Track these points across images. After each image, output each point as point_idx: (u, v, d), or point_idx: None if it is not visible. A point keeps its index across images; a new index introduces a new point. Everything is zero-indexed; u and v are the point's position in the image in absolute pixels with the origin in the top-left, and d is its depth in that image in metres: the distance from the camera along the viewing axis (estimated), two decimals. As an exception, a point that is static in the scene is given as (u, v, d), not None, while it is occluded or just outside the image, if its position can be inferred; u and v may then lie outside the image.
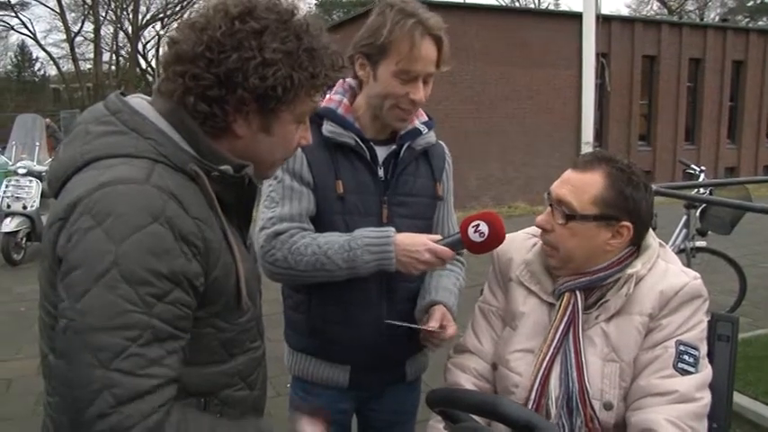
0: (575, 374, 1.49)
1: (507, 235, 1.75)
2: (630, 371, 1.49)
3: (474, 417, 1.39)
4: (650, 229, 1.63)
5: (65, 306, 0.97)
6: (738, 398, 3.50)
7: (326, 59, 1.16)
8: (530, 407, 1.51)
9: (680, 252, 5.11)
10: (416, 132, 1.77)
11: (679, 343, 1.47)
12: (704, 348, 1.51)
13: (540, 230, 1.62)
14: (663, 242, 1.65)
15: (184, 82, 1.09)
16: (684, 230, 5.23)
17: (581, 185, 1.52)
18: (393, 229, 1.65)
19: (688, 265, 4.91)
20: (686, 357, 1.45)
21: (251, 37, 1.08)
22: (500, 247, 1.72)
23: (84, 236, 0.97)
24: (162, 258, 0.99)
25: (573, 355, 1.51)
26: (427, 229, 1.79)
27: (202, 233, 1.06)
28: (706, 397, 1.46)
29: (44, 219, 7.72)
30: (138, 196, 1.00)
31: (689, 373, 1.44)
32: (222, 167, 1.13)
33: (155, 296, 0.98)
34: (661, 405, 1.42)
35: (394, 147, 1.76)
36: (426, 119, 1.83)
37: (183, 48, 1.09)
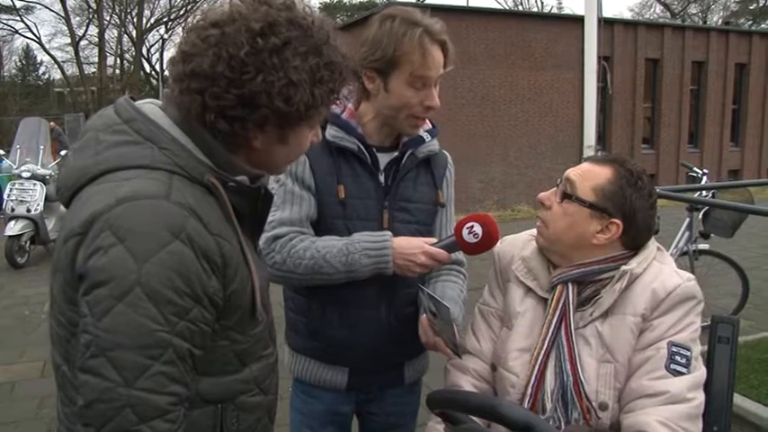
0: (568, 367, 1.50)
1: (509, 236, 1.77)
2: (625, 371, 1.49)
3: (474, 418, 1.40)
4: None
5: (87, 322, 0.97)
6: (741, 401, 3.50)
7: (345, 71, 1.15)
8: (526, 402, 1.52)
9: (682, 255, 5.11)
10: (419, 140, 1.79)
11: (671, 344, 1.47)
12: (697, 349, 1.50)
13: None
14: (661, 246, 1.65)
15: (203, 100, 1.05)
16: (687, 233, 5.22)
17: (589, 173, 1.57)
18: (390, 233, 1.68)
19: (691, 267, 4.92)
20: (678, 358, 1.46)
21: (273, 55, 1.05)
22: (501, 248, 1.75)
23: (106, 253, 0.96)
24: (184, 276, 0.99)
25: (566, 348, 1.52)
26: (427, 234, 1.80)
27: (221, 249, 1.05)
28: (698, 397, 1.45)
29: (48, 222, 7.77)
30: (159, 213, 0.99)
31: (681, 374, 1.44)
32: (239, 178, 1.12)
33: (177, 314, 0.98)
34: (653, 406, 1.42)
35: (396, 153, 1.77)
36: (430, 127, 1.83)
37: (201, 65, 1.04)
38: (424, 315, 1.68)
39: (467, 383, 1.67)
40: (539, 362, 1.53)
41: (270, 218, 1.68)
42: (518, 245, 1.74)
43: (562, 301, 1.56)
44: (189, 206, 1.02)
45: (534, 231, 1.72)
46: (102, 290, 0.96)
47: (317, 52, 1.09)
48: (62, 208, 1.27)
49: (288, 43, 1.06)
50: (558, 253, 1.60)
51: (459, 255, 1.86)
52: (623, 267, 1.54)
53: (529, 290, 1.65)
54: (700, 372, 1.48)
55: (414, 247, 1.64)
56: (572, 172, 1.59)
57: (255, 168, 1.17)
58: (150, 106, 1.14)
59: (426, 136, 1.80)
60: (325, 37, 1.11)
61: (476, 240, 1.60)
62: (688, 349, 1.47)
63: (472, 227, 1.60)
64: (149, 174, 1.04)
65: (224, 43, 1.04)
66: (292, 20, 1.08)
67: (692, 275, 1.56)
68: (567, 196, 1.56)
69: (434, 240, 1.68)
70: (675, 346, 1.47)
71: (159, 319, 0.96)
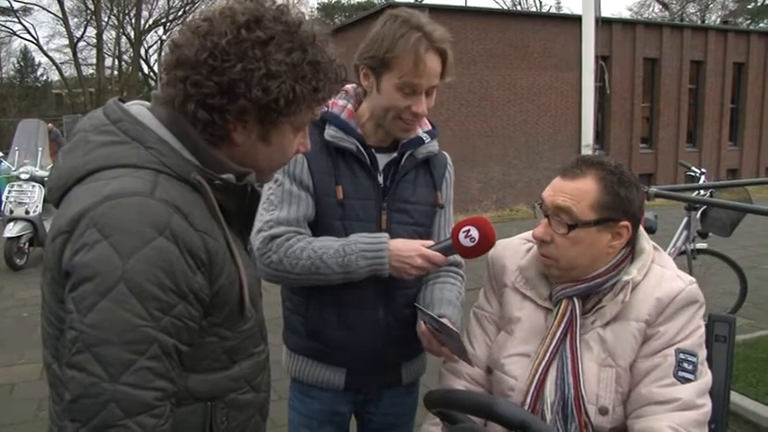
0: (571, 380, 1.50)
1: (502, 240, 1.77)
2: (627, 376, 1.50)
3: (471, 417, 1.40)
4: (644, 233, 1.63)
5: (73, 318, 0.97)
6: (740, 399, 3.51)
7: (330, 73, 1.15)
8: None
9: (681, 254, 5.12)
10: (419, 141, 1.78)
11: (678, 351, 1.47)
12: (703, 354, 1.51)
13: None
14: (657, 245, 1.65)
15: (185, 88, 1.07)
16: (685, 232, 5.23)
17: (577, 193, 1.51)
18: (387, 234, 1.67)
19: (689, 266, 4.93)
20: (685, 365, 1.46)
21: (256, 47, 1.06)
22: (494, 253, 1.73)
23: (91, 250, 0.97)
24: (168, 272, 0.99)
25: (570, 361, 1.51)
26: (426, 236, 1.80)
27: (206, 245, 1.06)
28: (707, 404, 1.46)
29: (46, 224, 7.75)
30: (143, 210, 1.00)
31: (688, 380, 1.45)
32: (224, 176, 1.13)
33: (161, 310, 0.99)
34: (663, 413, 1.42)
35: (395, 154, 1.77)
36: (430, 128, 1.82)
37: (186, 53, 1.07)
38: (423, 324, 1.68)
39: (460, 387, 1.67)
40: (539, 371, 1.53)
41: (267, 217, 1.68)
42: (512, 250, 1.73)
43: (567, 315, 1.55)
44: (173, 203, 1.03)
45: (527, 235, 1.71)
46: (87, 286, 0.97)
47: (301, 49, 1.10)
48: (57, 209, 1.27)
49: (272, 38, 1.08)
50: (573, 276, 1.57)
51: (457, 256, 1.86)
52: (625, 278, 1.54)
53: (526, 297, 1.65)
54: (706, 377, 1.49)
55: (410, 249, 1.64)
56: (558, 198, 1.52)
57: (240, 166, 1.17)
58: (138, 107, 1.16)
59: (426, 137, 1.79)
60: (311, 37, 1.13)
61: (472, 244, 1.60)
62: (694, 355, 1.48)
63: (469, 231, 1.60)
64: (135, 172, 1.05)
65: (210, 33, 1.07)
66: (279, 17, 1.11)
67: (693, 278, 1.57)
68: (571, 227, 1.50)
69: (431, 243, 1.68)
70: (683, 352, 1.47)
71: (144, 314, 0.97)
